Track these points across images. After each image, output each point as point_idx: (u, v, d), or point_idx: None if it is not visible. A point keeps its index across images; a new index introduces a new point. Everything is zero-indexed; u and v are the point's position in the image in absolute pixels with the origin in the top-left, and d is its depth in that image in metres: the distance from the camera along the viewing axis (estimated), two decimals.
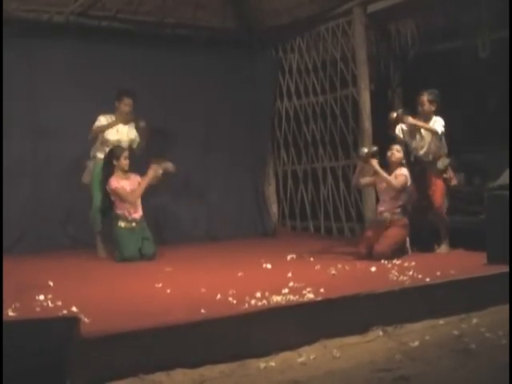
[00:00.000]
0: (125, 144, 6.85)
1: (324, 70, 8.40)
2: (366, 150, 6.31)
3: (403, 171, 6.16)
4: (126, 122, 6.92)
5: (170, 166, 6.77)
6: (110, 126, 6.80)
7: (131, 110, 6.93)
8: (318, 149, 8.62)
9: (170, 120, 8.19)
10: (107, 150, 6.73)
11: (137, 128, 6.99)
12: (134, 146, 6.97)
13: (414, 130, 6.37)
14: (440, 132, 6.17)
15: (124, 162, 6.59)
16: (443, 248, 6.32)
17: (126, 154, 6.64)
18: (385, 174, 6.13)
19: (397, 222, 6.15)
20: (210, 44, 8.47)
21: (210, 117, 8.65)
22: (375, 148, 6.31)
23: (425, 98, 6.26)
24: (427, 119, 6.29)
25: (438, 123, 6.21)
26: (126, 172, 6.64)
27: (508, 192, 5.25)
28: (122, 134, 6.89)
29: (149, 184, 6.66)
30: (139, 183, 6.65)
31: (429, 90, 6.30)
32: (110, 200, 6.61)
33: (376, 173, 6.21)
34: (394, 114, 6.40)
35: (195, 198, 8.51)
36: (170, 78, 8.23)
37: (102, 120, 6.83)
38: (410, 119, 6.28)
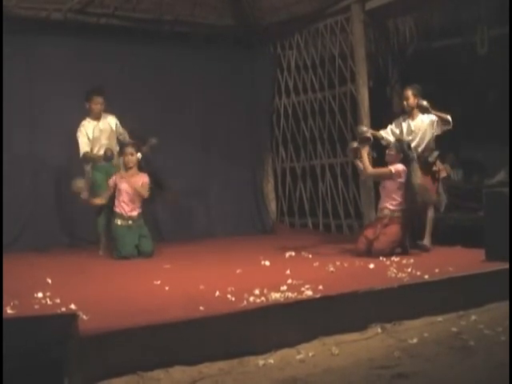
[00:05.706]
0: (113, 137, 6.84)
1: (322, 67, 8.40)
2: (365, 129, 6.38)
3: (398, 166, 6.10)
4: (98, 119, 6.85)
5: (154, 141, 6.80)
6: (95, 157, 6.77)
7: (102, 107, 6.82)
8: (316, 146, 8.62)
9: (169, 116, 8.20)
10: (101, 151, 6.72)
11: (145, 145, 6.88)
12: (122, 137, 6.91)
13: (405, 127, 6.39)
14: (448, 120, 6.16)
15: (126, 159, 6.59)
16: (426, 241, 6.30)
17: (129, 150, 6.63)
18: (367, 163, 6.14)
19: (397, 219, 6.13)
20: (208, 41, 8.47)
21: (209, 113, 8.65)
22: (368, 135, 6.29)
23: (409, 92, 6.36)
24: (411, 114, 6.38)
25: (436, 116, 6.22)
26: (130, 169, 6.62)
27: (507, 189, 5.25)
28: (106, 129, 6.82)
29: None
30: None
31: (412, 85, 6.36)
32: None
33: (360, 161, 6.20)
34: (355, 144, 6.33)
35: (194, 195, 8.51)
36: (168, 74, 8.24)
37: (86, 125, 6.75)
38: (429, 109, 6.16)
